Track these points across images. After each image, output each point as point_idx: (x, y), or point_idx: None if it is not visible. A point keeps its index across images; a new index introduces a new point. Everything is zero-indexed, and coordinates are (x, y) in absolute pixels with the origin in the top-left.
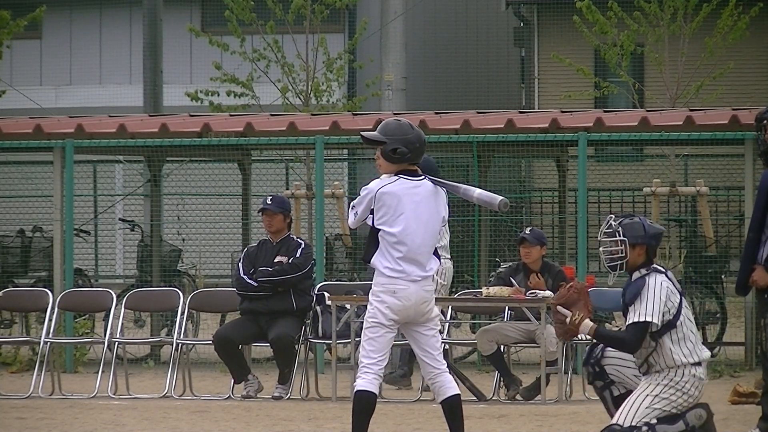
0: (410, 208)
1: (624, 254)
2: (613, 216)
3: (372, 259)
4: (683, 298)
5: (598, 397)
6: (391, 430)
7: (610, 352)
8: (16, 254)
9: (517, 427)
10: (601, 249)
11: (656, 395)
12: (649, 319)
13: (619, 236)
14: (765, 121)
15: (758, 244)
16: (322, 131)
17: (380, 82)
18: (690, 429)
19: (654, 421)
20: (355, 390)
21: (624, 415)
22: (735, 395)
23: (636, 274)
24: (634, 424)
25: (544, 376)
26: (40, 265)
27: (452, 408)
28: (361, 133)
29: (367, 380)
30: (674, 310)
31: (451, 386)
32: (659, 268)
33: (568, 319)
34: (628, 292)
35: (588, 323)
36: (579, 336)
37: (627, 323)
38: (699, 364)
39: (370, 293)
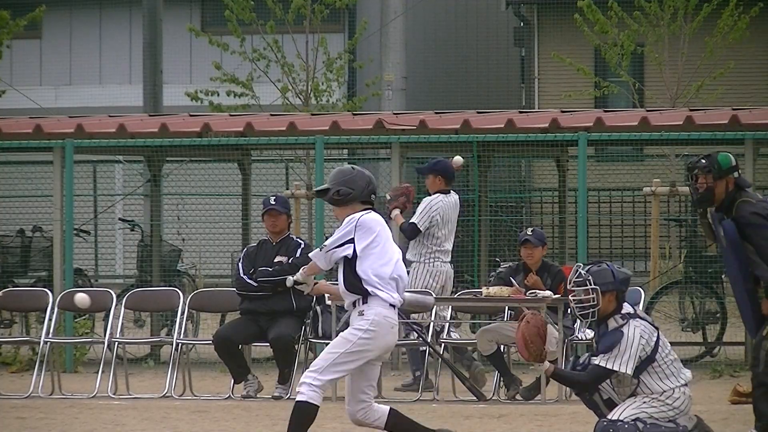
0: (389, 237)
1: (596, 302)
2: (580, 265)
3: (373, 287)
4: (659, 332)
5: (589, 409)
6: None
7: (594, 361)
8: (16, 254)
9: (517, 427)
10: (570, 298)
11: (647, 405)
12: (618, 369)
13: (590, 284)
14: (696, 171)
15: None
16: (322, 131)
17: (380, 82)
18: (682, 428)
19: (647, 420)
20: (301, 399)
21: (614, 415)
22: (735, 395)
23: (612, 323)
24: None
25: (544, 376)
26: (40, 265)
27: (397, 416)
28: (314, 189)
29: (316, 393)
30: (651, 349)
31: (383, 406)
32: (631, 312)
33: (527, 354)
34: (604, 341)
35: (546, 365)
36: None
37: (593, 362)
38: (686, 384)
39: (365, 321)
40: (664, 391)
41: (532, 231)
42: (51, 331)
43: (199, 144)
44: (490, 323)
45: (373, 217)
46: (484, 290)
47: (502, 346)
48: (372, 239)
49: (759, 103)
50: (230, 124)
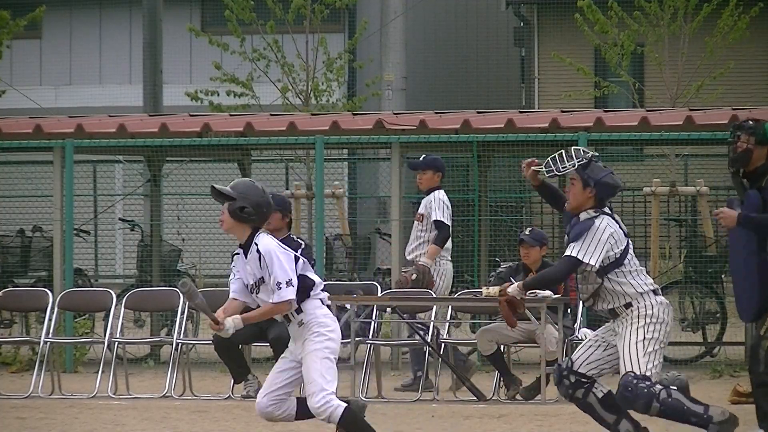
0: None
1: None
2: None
3: (312, 291)
4: (629, 242)
5: (585, 413)
6: (391, 430)
7: (576, 354)
8: (16, 254)
9: (517, 427)
10: (549, 159)
11: (641, 339)
12: (585, 259)
13: (574, 167)
14: (740, 130)
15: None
16: (322, 131)
17: (380, 82)
18: (707, 418)
19: (671, 387)
20: (341, 414)
21: (630, 367)
22: (735, 395)
23: (584, 215)
24: (644, 372)
25: (544, 376)
26: (40, 265)
27: (304, 403)
28: (213, 185)
29: (337, 400)
30: (620, 253)
31: (292, 398)
32: (607, 211)
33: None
34: (574, 230)
35: (513, 286)
36: (521, 311)
37: (564, 255)
38: (656, 292)
39: (315, 325)
40: (638, 297)
41: (529, 231)
42: (51, 331)
43: (199, 144)
44: (490, 323)
45: (269, 242)
46: (484, 290)
47: (502, 346)
48: (281, 260)
49: (759, 103)
50: (230, 124)
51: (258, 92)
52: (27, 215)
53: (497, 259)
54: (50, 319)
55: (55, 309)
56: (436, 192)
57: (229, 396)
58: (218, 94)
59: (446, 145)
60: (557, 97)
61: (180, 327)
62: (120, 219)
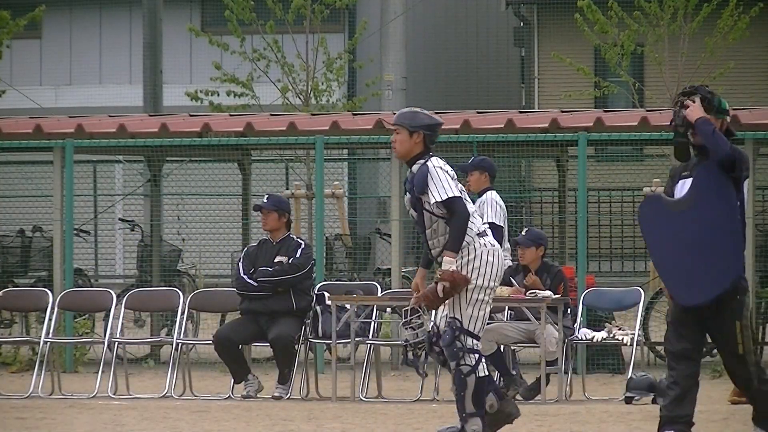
0: None
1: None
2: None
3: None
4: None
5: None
6: (391, 430)
7: (443, 321)
8: (16, 254)
9: (517, 427)
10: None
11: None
12: (456, 194)
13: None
14: (692, 95)
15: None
16: (322, 131)
17: (380, 82)
18: (464, 419)
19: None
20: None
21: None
22: (735, 395)
23: (416, 166)
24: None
25: (544, 376)
26: (40, 265)
27: None
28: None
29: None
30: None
31: None
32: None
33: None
34: (417, 182)
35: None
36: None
37: (436, 202)
38: (484, 234)
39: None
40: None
41: (525, 232)
42: (51, 331)
43: (199, 144)
44: (490, 323)
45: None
46: None
47: (502, 346)
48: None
49: (759, 103)
50: (230, 124)
51: (258, 92)
52: (27, 215)
53: None
54: (50, 319)
55: (55, 309)
56: (489, 193)
57: (229, 396)
58: (218, 94)
59: (446, 145)
60: (557, 97)
61: (180, 327)
62: (120, 219)
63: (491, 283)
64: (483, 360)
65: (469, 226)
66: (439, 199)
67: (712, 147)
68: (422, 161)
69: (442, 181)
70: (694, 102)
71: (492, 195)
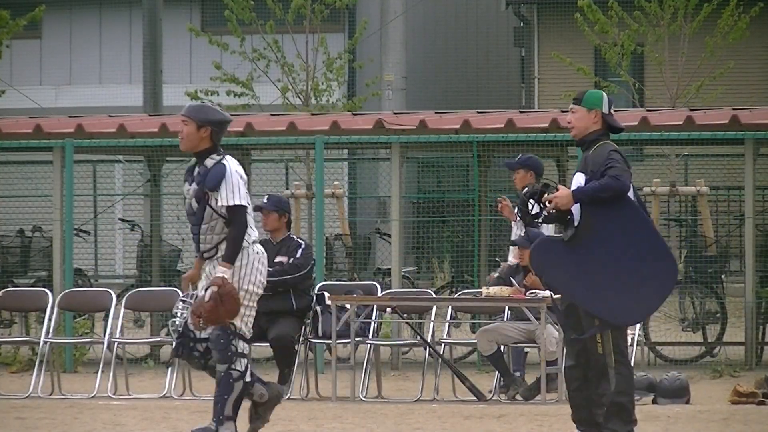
0: None
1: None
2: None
3: None
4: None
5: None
6: (391, 430)
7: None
8: (16, 254)
9: (517, 427)
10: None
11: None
12: (243, 203)
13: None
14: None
15: None
16: (322, 131)
17: (380, 82)
18: (219, 421)
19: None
20: None
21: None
22: (735, 395)
23: (211, 161)
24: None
25: (544, 376)
26: (40, 265)
27: None
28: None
29: None
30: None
31: None
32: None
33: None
34: (211, 177)
35: (220, 269)
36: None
37: (225, 206)
38: (257, 242)
39: None
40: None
41: (523, 233)
42: (51, 331)
43: None
44: (490, 323)
45: None
46: (484, 290)
47: (502, 346)
48: None
49: (759, 103)
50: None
51: (258, 92)
52: (27, 215)
53: (497, 259)
54: (50, 319)
55: (55, 309)
56: None
57: None
58: (218, 94)
59: (446, 145)
60: (557, 97)
61: None
62: (120, 219)
63: (258, 290)
64: (248, 365)
65: (248, 232)
66: (228, 203)
67: (606, 198)
68: (218, 158)
69: (236, 185)
70: (551, 193)
71: None
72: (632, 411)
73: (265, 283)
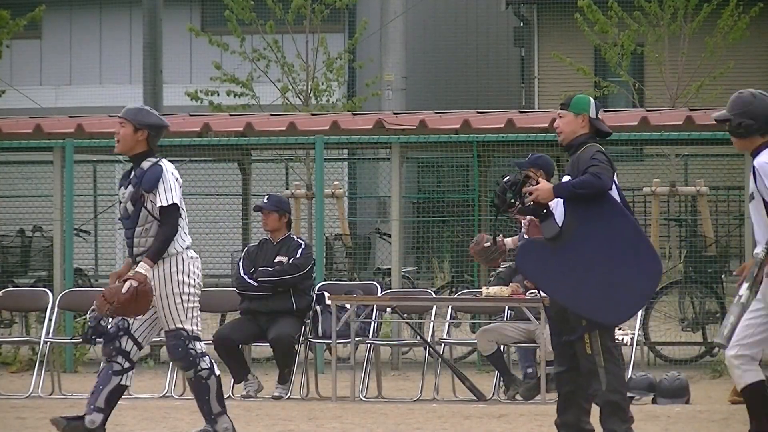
0: None
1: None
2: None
3: None
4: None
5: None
6: (391, 430)
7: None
8: (16, 254)
9: (517, 427)
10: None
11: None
12: (176, 202)
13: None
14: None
15: None
16: (322, 131)
17: (380, 82)
18: (213, 420)
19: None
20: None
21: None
22: (735, 395)
23: (147, 163)
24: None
25: (544, 376)
26: (40, 265)
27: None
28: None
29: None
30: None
31: None
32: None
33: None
34: (148, 179)
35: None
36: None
37: (160, 206)
38: (190, 247)
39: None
40: (176, 254)
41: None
42: (51, 331)
43: (199, 144)
44: (490, 323)
45: None
46: (484, 290)
47: (502, 346)
48: None
49: None
50: (230, 124)
51: (258, 92)
52: (27, 215)
53: None
54: (50, 319)
55: (55, 309)
56: None
57: (229, 396)
58: (218, 94)
59: (446, 145)
60: (557, 97)
61: None
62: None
63: (197, 290)
64: (211, 359)
65: (182, 237)
66: (164, 204)
67: (586, 194)
68: (154, 160)
69: (172, 187)
70: (533, 185)
71: None
72: (627, 409)
73: (202, 284)
